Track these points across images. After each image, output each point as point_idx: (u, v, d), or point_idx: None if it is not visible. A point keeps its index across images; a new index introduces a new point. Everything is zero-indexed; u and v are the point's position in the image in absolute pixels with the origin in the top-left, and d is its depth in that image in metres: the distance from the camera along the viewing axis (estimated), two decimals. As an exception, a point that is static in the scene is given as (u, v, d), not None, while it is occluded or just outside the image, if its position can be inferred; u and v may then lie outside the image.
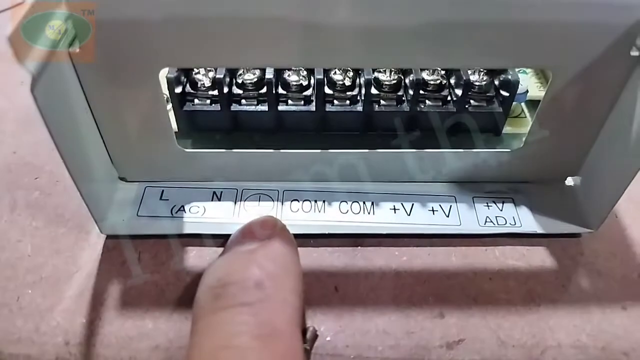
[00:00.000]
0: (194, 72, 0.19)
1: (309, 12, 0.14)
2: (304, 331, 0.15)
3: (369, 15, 0.14)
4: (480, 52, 0.16)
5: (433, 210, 0.19)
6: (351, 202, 0.20)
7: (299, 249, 0.18)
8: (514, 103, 0.20)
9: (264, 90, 0.19)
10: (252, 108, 0.19)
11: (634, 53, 0.16)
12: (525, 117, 0.21)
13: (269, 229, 0.15)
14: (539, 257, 0.19)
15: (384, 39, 0.15)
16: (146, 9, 0.14)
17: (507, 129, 0.20)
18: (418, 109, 0.19)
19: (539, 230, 0.19)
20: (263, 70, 0.19)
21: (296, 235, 0.18)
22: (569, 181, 0.21)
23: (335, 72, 0.19)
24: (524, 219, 0.19)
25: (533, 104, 0.21)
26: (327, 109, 0.19)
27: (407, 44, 0.15)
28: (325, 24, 0.15)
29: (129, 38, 0.15)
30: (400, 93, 0.19)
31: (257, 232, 0.15)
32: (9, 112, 0.23)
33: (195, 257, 0.18)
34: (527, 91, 0.20)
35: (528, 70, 0.22)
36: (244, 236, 0.15)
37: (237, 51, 0.15)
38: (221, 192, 0.20)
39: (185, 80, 0.19)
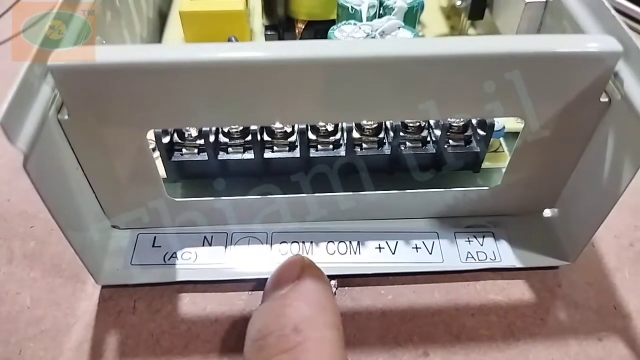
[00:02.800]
0: (180, 122, 0.20)
1: (283, 78, 0.15)
2: None
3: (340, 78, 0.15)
4: (455, 105, 0.16)
5: (417, 248, 0.20)
6: (338, 242, 0.20)
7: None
8: (492, 139, 0.21)
9: (250, 138, 0.20)
10: (239, 156, 0.20)
11: (604, 99, 0.17)
12: (504, 151, 0.22)
13: (296, 268, 0.15)
14: (518, 291, 0.20)
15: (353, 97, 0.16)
16: (133, 80, 0.15)
17: (486, 164, 0.21)
18: (399, 150, 0.20)
19: (518, 265, 0.20)
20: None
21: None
22: (547, 212, 0.21)
23: (318, 117, 0.20)
24: (504, 254, 0.20)
25: (511, 136, 0.22)
26: (311, 155, 0.20)
27: (378, 99, 0.16)
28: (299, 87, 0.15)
29: (117, 106, 0.15)
30: (381, 136, 0.20)
31: (285, 275, 0.15)
32: (2, 158, 0.24)
33: (189, 304, 0.19)
34: (504, 127, 0.21)
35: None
36: (275, 282, 0.15)
37: (219, 115, 0.16)
38: (212, 236, 0.20)
39: (172, 130, 0.20)
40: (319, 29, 0.25)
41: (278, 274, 0.15)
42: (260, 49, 0.15)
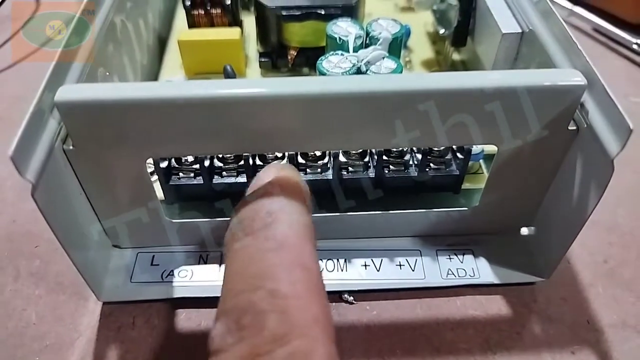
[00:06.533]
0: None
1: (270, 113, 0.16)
2: None
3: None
4: (428, 135, 0.18)
5: (400, 265, 0.21)
6: (325, 260, 0.21)
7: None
8: (471, 162, 0.22)
9: (243, 162, 0.21)
10: (232, 180, 0.21)
11: (572, 127, 0.18)
12: (483, 173, 0.23)
13: (272, 170, 0.16)
14: (496, 306, 0.21)
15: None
16: (134, 115, 0.16)
17: (466, 185, 0.22)
18: (383, 173, 0.21)
19: (496, 281, 0.21)
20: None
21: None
22: (524, 231, 0.22)
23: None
24: (482, 270, 0.21)
25: (491, 158, 0.23)
26: (300, 178, 0.21)
27: (359, 129, 0.17)
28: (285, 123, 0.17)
29: (119, 137, 0.17)
30: (366, 159, 0.21)
31: (261, 176, 0.16)
32: (8, 180, 0.25)
33: (185, 320, 0.20)
34: (482, 151, 0.22)
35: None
36: (252, 184, 0.16)
37: (213, 145, 0.17)
38: (207, 255, 0.22)
39: (170, 155, 0.21)
40: (310, 55, 0.26)
41: (259, 174, 0.16)
42: (247, 86, 0.16)
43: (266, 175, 0.16)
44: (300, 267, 0.13)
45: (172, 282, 0.21)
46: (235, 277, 0.13)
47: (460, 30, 0.26)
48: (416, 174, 0.21)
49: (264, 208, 0.14)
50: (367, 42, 0.23)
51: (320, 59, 0.22)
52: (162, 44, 0.30)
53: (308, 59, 0.27)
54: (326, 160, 0.21)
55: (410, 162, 0.21)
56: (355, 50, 0.23)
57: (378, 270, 0.21)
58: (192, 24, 0.27)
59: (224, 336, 0.12)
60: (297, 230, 0.14)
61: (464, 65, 0.28)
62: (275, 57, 0.27)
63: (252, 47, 0.29)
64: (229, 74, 0.25)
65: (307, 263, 0.13)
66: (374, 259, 0.22)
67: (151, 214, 0.20)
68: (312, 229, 0.15)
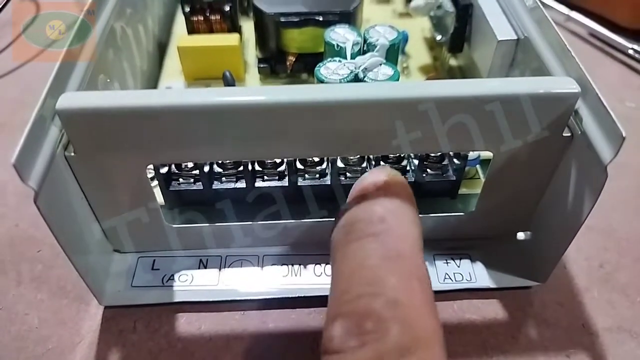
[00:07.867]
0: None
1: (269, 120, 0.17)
2: None
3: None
4: (428, 141, 0.18)
5: (398, 270, 0.22)
6: (324, 265, 0.22)
7: (278, 311, 0.20)
8: (468, 167, 0.22)
9: (242, 168, 0.21)
10: (232, 185, 0.21)
11: (567, 134, 0.18)
12: (480, 178, 0.23)
13: (382, 174, 0.16)
14: (492, 310, 0.21)
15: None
16: (134, 122, 0.16)
17: (463, 190, 0.23)
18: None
19: (492, 285, 0.21)
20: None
21: (274, 300, 0.20)
22: (520, 235, 0.23)
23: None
24: (479, 275, 0.21)
25: (487, 164, 0.23)
26: (299, 183, 0.21)
27: (357, 136, 0.17)
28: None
29: (119, 144, 0.17)
30: (364, 165, 0.22)
31: (372, 178, 0.16)
32: (10, 185, 0.25)
33: (185, 323, 0.20)
34: (479, 156, 0.22)
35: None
36: (363, 183, 0.16)
37: (212, 152, 0.18)
38: (207, 259, 0.22)
39: (170, 161, 0.21)
40: (308, 61, 0.27)
41: (366, 176, 0.16)
42: (246, 94, 0.16)
43: (373, 176, 0.16)
44: (416, 279, 0.13)
45: (172, 286, 0.21)
46: (350, 279, 0.13)
47: (457, 36, 0.26)
48: (413, 179, 0.22)
49: (377, 213, 0.14)
50: (365, 48, 0.24)
51: (318, 65, 0.22)
52: (161, 49, 0.30)
53: (306, 65, 0.27)
54: (324, 165, 0.22)
55: (408, 168, 0.22)
56: (353, 56, 0.23)
57: (376, 275, 0.21)
58: (192, 30, 0.27)
59: (344, 338, 0.12)
60: (412, 239, 0.14)
61: (460, 71, 0.28)
62: (274, 63, 0.27)
63: (251, 53, 0.29)
64: (228, 80, 0.26)
65: (421, 275, 0.13)
66: (372, 264, 0.22)
67: (152, 219, 0.20)
68: (421, 239, 0.15)
